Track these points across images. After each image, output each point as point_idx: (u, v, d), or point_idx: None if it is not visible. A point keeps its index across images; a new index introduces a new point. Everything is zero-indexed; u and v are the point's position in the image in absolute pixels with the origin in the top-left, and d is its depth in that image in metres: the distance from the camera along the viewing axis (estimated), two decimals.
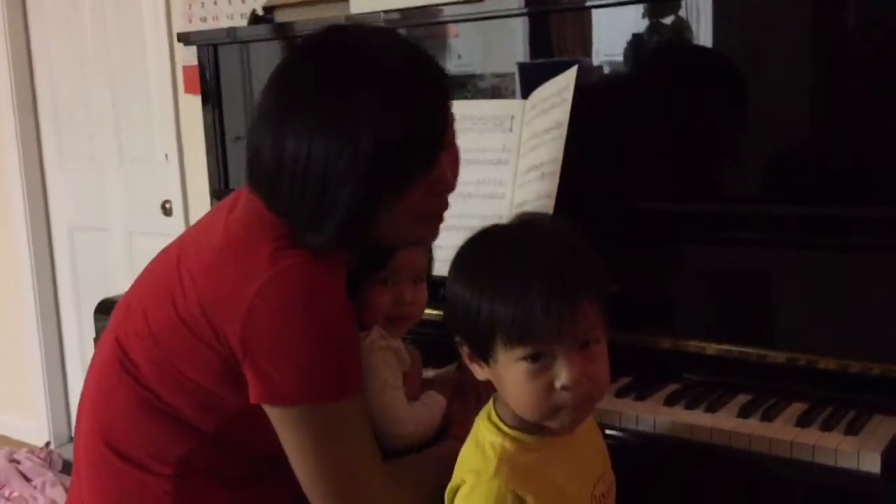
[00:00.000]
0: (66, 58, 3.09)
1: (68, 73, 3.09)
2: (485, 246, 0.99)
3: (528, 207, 1.49)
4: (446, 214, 1.58)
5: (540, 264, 0.92)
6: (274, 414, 1.07)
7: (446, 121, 1.10)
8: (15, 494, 2.78)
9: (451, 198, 1.57)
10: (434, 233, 1.18)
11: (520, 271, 0.92)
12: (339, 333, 1.06)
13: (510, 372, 0.93)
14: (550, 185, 1.44)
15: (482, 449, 0.97)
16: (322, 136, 1.02)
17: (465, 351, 0.99)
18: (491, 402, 1.02)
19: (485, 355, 0.95)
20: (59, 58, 3.12)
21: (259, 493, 1.18)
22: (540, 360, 0.91)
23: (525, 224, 1.01)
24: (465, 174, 1.58)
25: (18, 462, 2.89)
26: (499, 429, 0.98)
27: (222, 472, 1.15)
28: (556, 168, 1.43)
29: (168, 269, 1.15)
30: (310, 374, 1.04)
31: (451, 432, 1.20)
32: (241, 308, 1.03)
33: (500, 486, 0.93)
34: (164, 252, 1.22)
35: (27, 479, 2.80)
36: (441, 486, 1.07)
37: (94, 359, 1.24)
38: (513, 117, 1.58)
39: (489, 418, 1.00)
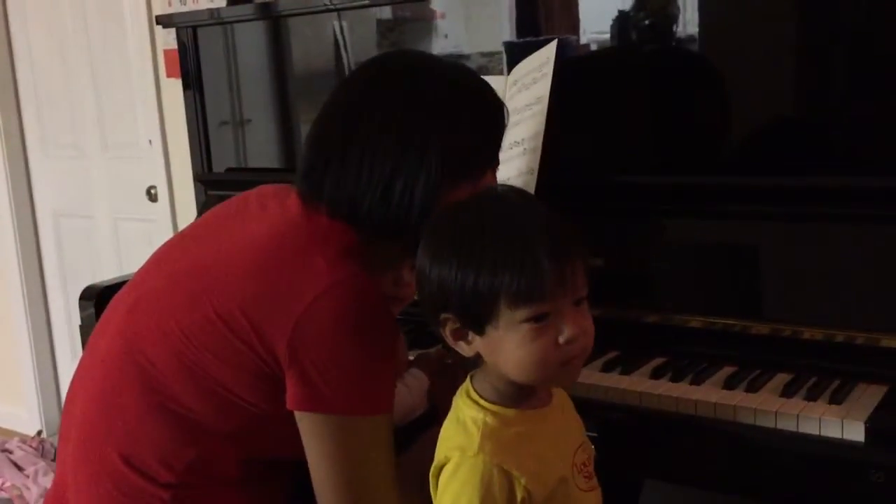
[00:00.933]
0: (46, 44, 3.06)
1: (49, 60, 3.07)
2: (465, 217, 0.98)
3: (512, 183, 1.48)
4: None
5: (538, 226, 0.94)
6: (308, 420, 1.07)
7: (500, 142, 1.22)
8: (7, 484, 2.78)
9: None
10: None
11: (520, 234, 0.93)
12: (387, 349, 1.09)
13: (512, 336, 0.93)
14: (532, 161, 1.43)
15: (464, 426, 0.98)
16: (402, 153, 1.11)
17: (450, 328, 0.98)
18: (468, 379, 1.02)
19: (481, 325, 0.95)
20: (39, 44, 3.09)
21: (256, 496, 1.17)
22: (544, 319, 0.92)
23: (497, 195, 1.02)
24: None
25: (10, 451, 2.89)
26: (478, 404, 0.98)
27: (223, 476, 1.13)
28: (538, 143, 1.43)
29: (191, 266, 1.14)
30: (356, 386, 1.05)
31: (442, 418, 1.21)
32: (293, 314, 1.04)
33: (485, 461, 0.93)
34: (180, 246, 1.21)
35: (19, 469, 2.80)
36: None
37: (88, 357, 1.21)
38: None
39: (468, 395, 1.00)
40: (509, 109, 1.45)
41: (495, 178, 1.24)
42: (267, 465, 1.16)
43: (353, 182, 1.11)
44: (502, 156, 1.52)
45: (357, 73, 1.22)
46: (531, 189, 1.41)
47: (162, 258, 1.22)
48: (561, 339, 0.92)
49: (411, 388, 1.25)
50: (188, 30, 2.10)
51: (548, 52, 1.46)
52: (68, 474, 1.19)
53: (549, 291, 0.92)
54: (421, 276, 0.98)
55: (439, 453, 0.99)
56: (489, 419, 0.96)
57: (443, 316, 0.97)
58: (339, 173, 1.12)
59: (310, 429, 1.07)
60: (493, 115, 1.19)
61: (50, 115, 3.14)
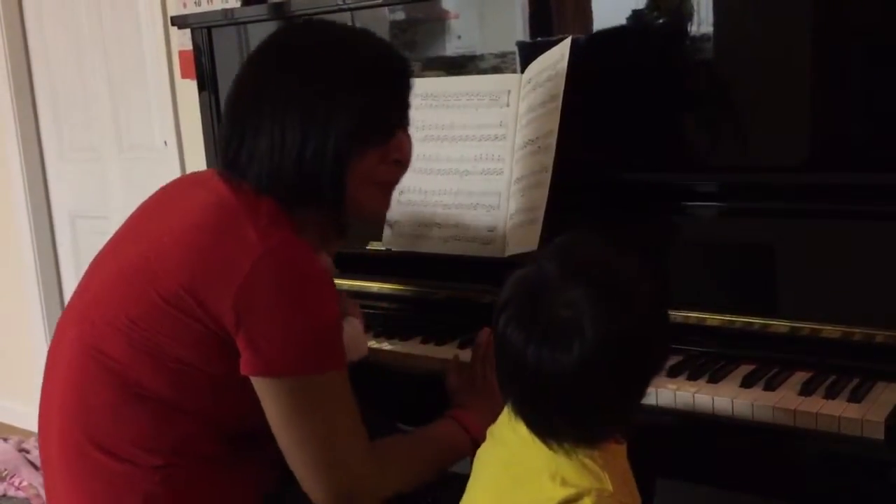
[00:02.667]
0: (62, 46, 3.08)
1: (65, 62, 3.08)
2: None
3: (526, 182, 1.48)
4: (445, 192, 1.58)
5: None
6: (262, 385, 1.10)
7: (406, 102, 1.25)
8: (24, 483, 2.80)
9: (450, 176, 1.57)
10: (388, 204, 1.30)
11: None
12: (327, 308, 1.11)
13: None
14: (546, 159, 1.42)
15: (580, 463, 0.95)
16: (309, 125, 1.15)
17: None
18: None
19: None
20: (55, 46, 3.11)
21: (244, 470, 1.19)
22: None
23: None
24: (463, 151, 1.58)
25: (28, 451, 2.91)
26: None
27: (208, 454, 1.16)
28: (552, 141, 1.42)
29: (132, 257, 1.17)
30: (302, 346, 1.08)
31: (450, 412, 1.21)
32: (233, 284, 1.07)
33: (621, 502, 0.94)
34: (112, 251, 1.25)
35: (36, 468, 2.82)
36: (432, 469, 1.07)
37: (52, 369, 1.24)
38: (509, 92, 1.56)
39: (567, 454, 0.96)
40: (524, 108, 1.45)
41: (408, 137, 1.26)
42: (250, 439, 1.18)
43: (266, 155, 1.15)
44: (516, 154, 1.52)
45: (259, 48, 1.24)
46: (545, 187, 1.41)
47: (97, 266, 1.26)
48: None
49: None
50: (203, 30, 2.11)
51: (562, 50, 1.45)
52: (56, 477, 1.21)
53: None
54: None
55: (563, 487, 0.96)
56: (598, 456, 0.96)
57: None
58: (253, 148, 1.16)
59: (265, 393, 1.10)
60: (393, 77, 1.23)
61: (66, 118, 3.16)
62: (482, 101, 1.59)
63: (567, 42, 1.45)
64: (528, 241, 1.42)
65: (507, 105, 1.56)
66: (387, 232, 1.64)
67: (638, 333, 0.90)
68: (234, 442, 1.18)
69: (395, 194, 1.63)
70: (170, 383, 1.12)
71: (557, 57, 1.46)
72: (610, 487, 0.94)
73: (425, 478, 1.19)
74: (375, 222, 1.30)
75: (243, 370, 1.09)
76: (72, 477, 1.18)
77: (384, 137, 1.20)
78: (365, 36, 1.28)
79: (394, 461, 1.18)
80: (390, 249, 1.64)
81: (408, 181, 1.63)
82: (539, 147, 1.46)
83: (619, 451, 1.01)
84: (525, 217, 1.47)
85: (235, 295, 1.07)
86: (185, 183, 1.28)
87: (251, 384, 1.11)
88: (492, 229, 1.52)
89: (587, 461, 0.96)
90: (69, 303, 1.26)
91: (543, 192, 1.41)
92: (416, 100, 1.64)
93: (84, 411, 1.17)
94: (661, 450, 1.30)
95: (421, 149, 1.63)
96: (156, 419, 1.13)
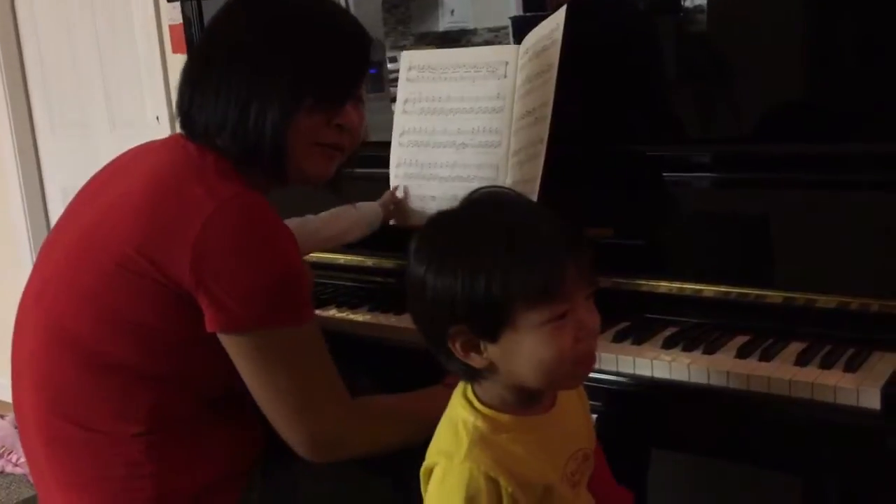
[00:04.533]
0: (51, 21, 3.05)
1: (55, 38, 3.06)
2: (462, 223, 0.95)
3: (524, 154, 1.47)
4: (443, 165, 1.57)
5: (543, 222, 0.92)
6: (230, 342, 1.09)
7: (358, 74, 1.24)
8: (22, 460, 2.80)
9: (447, 149, 1.55)
10: (329, 168, 1.26)
11: (530, 232, 0.90)
12: (289, 257, 1.10)
13: (532, 338, 0.90)
14: (542, 130, 1.41)
15: (455, 428, 0.96)
16: (255, 80, 1.15)
17: (460, 341, 0.93)
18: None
19: (495, 332, 0.91)
20: (45, 23, 3.08)
21: (233, 436, 1.19)
22: (563, 317, 0.90)
23: (490, 198, 0.98)
24: (460, 123, 1.57)
25: None
26: (473, 406, 0.96)
27: (189, 417, 1.15)
28: (548, 112, 1.40)
29: (77, 233, 1.16)
30: (265, 298, 1.07)
31: (444, 380, 1.20)
32: (188, 241, 1.06)
33: (472, 469, 0.91)
34: (66, 225, 1.23)
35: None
36: (418, 430, 1.07)
37: (18, 350, 1.23)
38: (507, 63, 1.54)
39: (464, 395, 0.98)
40: (522, 79, 1.44)
41: (360, 115, 1.25)
42: (231, 398, 1.17)
43: (211, 109, 1.15)
44: (514, 126, 1.51)
45: (221, 8, 1.24)
46: (540, 159, 1.40)
47: (52, 242, 1.24)
48: (581, 336, 0.91)
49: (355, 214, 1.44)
50: (192, 3, 2.08)
51: (557, 19, 1.43)
52: (41, 462, 1.20)
53: (569, 288, 0.89)
54: (418, 291, 0.93)
55: (429, 457, 0.97)
56: (480, 423, 0.95)
57: (452, 329, 0.93)
58: (201, 101, 1.16)
59: (233, 349, 1.10)
60: (347, 44, 1.21)
61: (57, 93, 3.14)
62: (479, 72, 1.57)
63: (562, 11, 1.43)
64: None
65: (505, 76, 1.54)
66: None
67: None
68: (214, 403, 1.17)
69: (392, 167, 1.63)
70: (135, 350, 1.11)
71: (553, 26, 1.44)
72: (462, 453, 0.92)
73: (410, 436, 1.14)
74: (318, 187, 1.28)
75: (209, 327, 1.08)
76: (54, 454, 1.17)
77: (332, 104, 1.19)
78: (332, 5, 1.27)
79: (376, 413, 1.18)
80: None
81: (404, 154, 1.63)
82: (536, 118, 1.44)
83: (539, 422, 0.98)
84: (521, 190, 1.45)
85: (192, 254, 1.05)
86: (138, 150, 1.26)
87: (219, 343, 1.10)
88: None
89: (461, 426, 0.95)
90: (27, 283, 1.24)
91: (539, 164, 1.40)
92: (412, 72, 1.64)
93: (54, 390, 1.16)
94: (656, 421, 1.30)
95: (418, 122, 1.62)
96: (126, 388, 1.12)
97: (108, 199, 1.17)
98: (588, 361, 0.94)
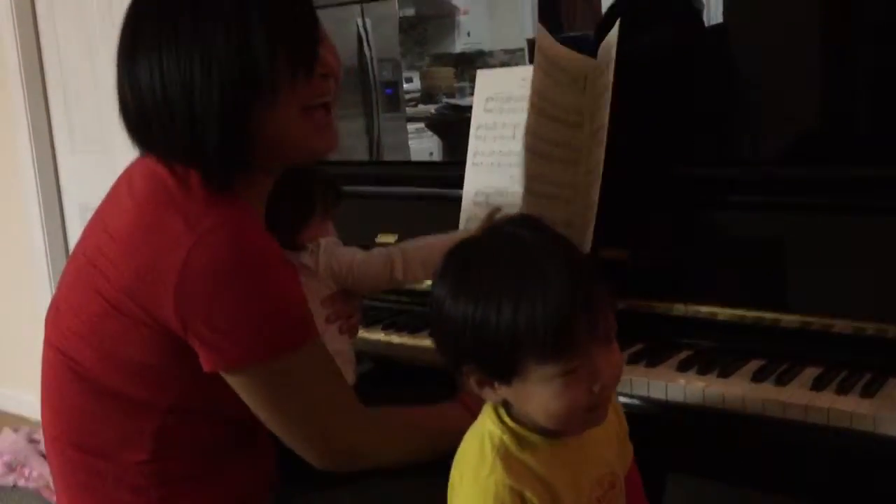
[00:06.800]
0: (73, 39, 3.09)
1: (77, 57, 3.09)
2: (478, 261, 0.92)
3: (595, 175, 1.41)
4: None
5: (558, 270, 0.87)
6: (231, 379, 1.05)
7: (308, 45, 1.06)
8: (35, 474, 2.81)
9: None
10: (327, 140, 1.13)
11: (540, 284, 0.86)
12: (276, 284, 1.04)
13: (542, 389, 0.89)
14: (601, 153, 1.37)
15: (481, 441, 0.95)
16: (174, 53, 1.00)
17: (474, 378, 0.94)
18: None
19: (507, 376, 0.90)
20: (66, 40, 3.12)
21: (245, 463, 1.17)
22: (575, 371, 0.88)
23: (510, 235, 0.94)
24: (546, 131, 1.44)
25: (38, 442, 2.92)
26: (501, 420, 0.96)
27: (195, 444, 1.12)
28: (604, 136, 1.37)
29: (83, 261, 1.12)
30: (256, 333, 1.02)
31: (460, 396, 1.20)
32: (170, 283, 1.00)
33: (497, 483, 0.91)
34: (77, 246, 1.19)
35: (46, 459, 2.83)
36: (434, 443, 1.06)
37: (42, 370, 1.21)
38: (586, 77, 1.48)
39: (494, 408, 0.97)
40: (593, 96, 1.37)
41: (334, 51, 1.11)
42: (240, 426, 1.14)
43: (149, 104, 1.02)
44: (588, 144, 1.45)
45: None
46: (597, 185, 1.36)
47: (70, 261, 1.20)
48: (595, 388, 0.89)
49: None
50: None
51: (611, 40, 1.39)
52: (56, 479, 1.20)
53: (580, 344, 0.87)
54: (436, 319, 0.93)
55: (455, 468, 0.97)
56: (507, 438, 0.94)
57: (464, 368, 0.93)
58: (139, 99, 1.03)
59: (236, 385, 1.06)
60: (287, 10, 1.04)
61: (77, 111, 3.17)
62: (565, 77, 1.46)
63: (615, 30, 1.38)
64: (581, 239, 1.36)
65: (584, 91, 1.48)
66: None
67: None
68: (223, 430, 1.14)
69: (471, 194, 1.56)
70: (139, 385, 1.08)
71: (611, 43, 1.40)
72: (488, 467, 0.91)
73: (423, 449, 1.13)
74: (317, 159, 1.16)
75: (205, 368, 1.04)
76: (63, 473, 1.17)
77: (292, 84, 1.03)
78: None
79: (392, 426, 1.15)
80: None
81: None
82: (598, 140, 1.41)
83: (567, 445, 0.96)
84: (584, 216, 1.41)
85: (174, 298, 1.00)
86: (127, 174, 1.16)
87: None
88: (569, 224, 1.43)
89: (487, 439, 0.94)
90: (53, 297, 1.22)
91: (597, 190, 1.36)
92: (490, 103, 1.55)
93: (61, 411, 1.15)
94: (672, 445, 1.30)
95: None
96: (132, 417, 1.09)
97: (104, 225, 1.12)
98: (602, 409, 0.92)
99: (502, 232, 0.96)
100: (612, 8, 1.52)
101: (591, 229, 1.37)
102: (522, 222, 0.98)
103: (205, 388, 1.08)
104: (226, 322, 1.01)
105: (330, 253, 1.35)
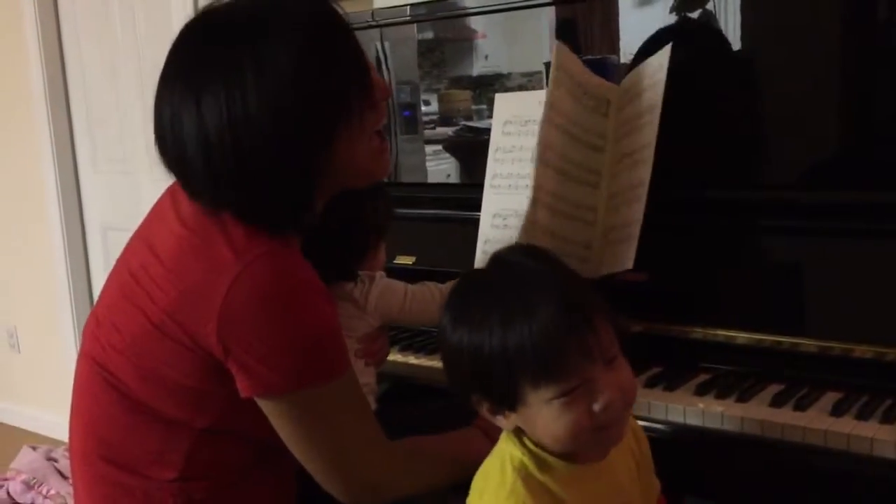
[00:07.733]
0: (97, 62, 3.13)
1: (100, 75, 3.14)
2: (476, 292, 0.96)
3: (621, 199, 1.43)
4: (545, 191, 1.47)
5: (549, 297, 0.89)
6: (264, 404, 1.08)
7: (360, 52, 1.10)
8: (52, 492, 2.82)
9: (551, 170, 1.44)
10: (384, 164, 1.18)
11: (530, 310, 0.89)
12: (317, 315, 1.06)
13: (543, 412, 0.90)
14: (644, 173, 1.36)
15: (502, 463, 0.96)
16: (238, 103, 1.02)
17: (485, 407, 0.96)
18: None
19: (510, 403, 0.92)
20: (90, 60, 3.16)
21: (271, 486, 1.18)
22: (573, 391, 0.89)
23: (506, 263, 0.97)
24: (566, 149, 1.45)
25: (56, 460, 2.94)
26: (522, 442, 0.96)
27: (226, 465, 1.14)
28: (650, 154, 1.36)
29: (126, 277, 1.14)
30: (294, 361, 1.04)
31: (478, 421, 1.20)
32: (214, 308, 1.03)
33: (517, 501, 0.92)
34: (119, 260, 1.21)
35: (64, 477, 2.84)
36: (454, 473, 1.07)
37: (76, 379, 1.23)
38: (609, 102, 1.49)
39: (515, 431, 0.97)
40: (622, 119, 1.38)
41: (381, 79, 1.14)
42: (267, 450, 1.16)
43: (201, 160, 1.05)
44: (613, 169, 1.46)
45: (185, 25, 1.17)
46: (641, 203, 1.36)
47: (112, 275, 1.21)
48: (596, 408, 0.89)
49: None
50: None
51: (661, 59, 1.39)
52: (80, 494, 1.21)
53: (573, 366, 0.88)
54: (441, 351, 0.98)
55: (473, 490, 0.98)
56: (527, 460, 0.95)
57: (474, 398, 0.96)
58: (183, 139, 1.07)
59: (268, 410, 1.08)
60: (332, 41, 1.06)
61: (100, 132, 3.21)
62: (589, 101, 1.48)
63: (667, 50, 1.39)
64: (623, 260, 1.35)
65: (606, 115, 1.49)
66: (480, 256, 1.56)
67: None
68: (253, 451, 1.16)
69: (489, 217, 1.58)
70: (177, 405, 1.10)
71: (656, 66, 1.41)
72: (507, 488, 0.92)
73: (444, 479, 1.15)
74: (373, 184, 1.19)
75: (242, 393, 1.06)
76: (89, 488, 1.18)
77: (371, 90, 1.09)
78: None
79: (413, 457, 1.16)
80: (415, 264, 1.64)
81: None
82: (636, 161, 1.40)
83: (586, 471, 0.96)
84: (618, 235, 1.40)
85: (217, 322, 1.02)
86: (176, 186, 1.17)
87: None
88: (588, 245, 1.45)
89: (508, 461, 0.95)
90: (93, 309, 1.24)
91: (640, 208, 1.35)
92: (508, 126, 1.56)
93: (96, 425, 1.16)
94: (689, 469, 1.29)
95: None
96: (165, 435, 1.12)
97: (149, 244, 1.13)
98: (614, 429, 0.92)
99: (500, 261, 0.98)
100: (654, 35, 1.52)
101: (633, 248, 1.34)
102: (521, 251, 1.01)
103: (240, 413, 1.09)
104: (265, 349, 1.03)
105: (383, 289, 1.37)
